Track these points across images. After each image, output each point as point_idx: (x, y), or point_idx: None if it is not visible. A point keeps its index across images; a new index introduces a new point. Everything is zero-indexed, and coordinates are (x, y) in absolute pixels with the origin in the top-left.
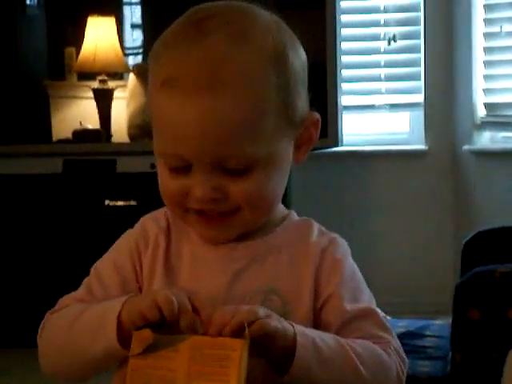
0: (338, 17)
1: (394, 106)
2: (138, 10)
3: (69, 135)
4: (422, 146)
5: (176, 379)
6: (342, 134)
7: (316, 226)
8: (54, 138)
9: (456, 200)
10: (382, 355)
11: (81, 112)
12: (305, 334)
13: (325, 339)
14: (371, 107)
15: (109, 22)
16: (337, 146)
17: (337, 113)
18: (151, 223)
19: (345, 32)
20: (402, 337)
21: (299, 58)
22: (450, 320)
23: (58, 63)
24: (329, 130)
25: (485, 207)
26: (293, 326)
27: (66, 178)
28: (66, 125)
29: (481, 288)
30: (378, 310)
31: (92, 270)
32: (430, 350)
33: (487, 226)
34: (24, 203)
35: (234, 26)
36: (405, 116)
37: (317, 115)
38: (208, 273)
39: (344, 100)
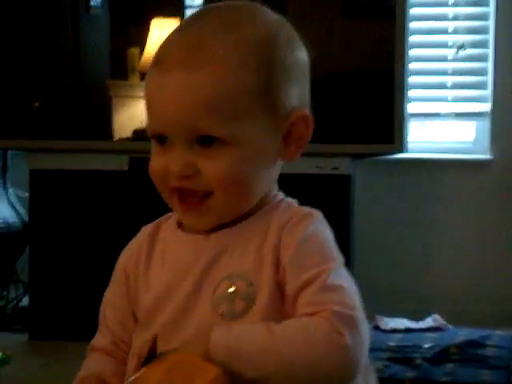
0: (407, 24)
1: (459, 115)
2: None
3: (130, 134)
4: (486, 156)
5: None
6: (407, 141)
7: (284, 204)
8: (116, 137)
9: None
10: (310, 334)
11: (143, 112)
12: (218, 342)
13: (245, 339)
14: (437, 115)
15: (173, 24)
16: (401, 152)
17: (403, 119)
18: (135, 239)
19: (412, 39)
20: (463, 345)
21: (294, 55)
22: (510, 331)
23: (120, 63)
24: (395, 135)
25: None
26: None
27: (132, 175)
28: (128, 124)
29: None
30: (332, 268)
31: (101, 306)
32: (491, 359)
33: None
34: (91, 198)
35: (229, 15)
36: (470, 125)
37: (304, 111)
38: (179, 265)
39: (409, 107)
